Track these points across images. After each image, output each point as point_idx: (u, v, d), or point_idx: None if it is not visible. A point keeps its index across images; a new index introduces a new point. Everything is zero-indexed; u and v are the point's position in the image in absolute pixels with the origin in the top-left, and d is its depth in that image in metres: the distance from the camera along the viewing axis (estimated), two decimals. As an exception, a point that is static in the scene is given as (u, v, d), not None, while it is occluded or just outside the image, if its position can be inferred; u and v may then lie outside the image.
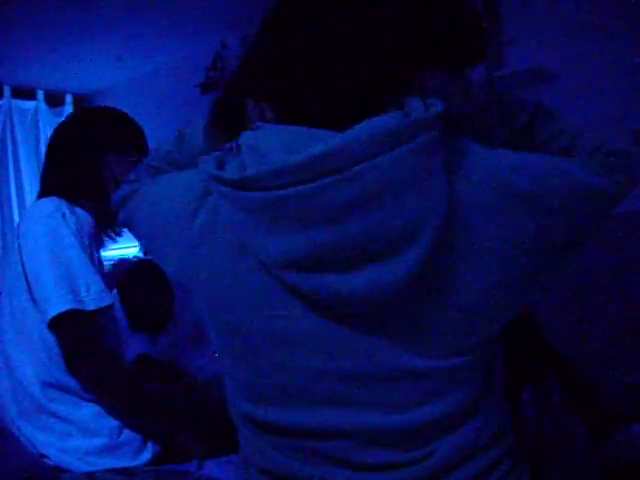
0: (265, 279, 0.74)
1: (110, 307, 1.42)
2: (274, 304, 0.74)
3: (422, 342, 0.72)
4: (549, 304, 2.26)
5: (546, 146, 0.83)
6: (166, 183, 0.89)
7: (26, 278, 1.39)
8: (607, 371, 1.95)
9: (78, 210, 1.48)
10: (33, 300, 1.38)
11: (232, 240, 0.75)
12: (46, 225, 1.39)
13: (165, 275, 2.54)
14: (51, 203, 1.43)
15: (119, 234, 1.62)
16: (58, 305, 1.33)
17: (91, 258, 1.42)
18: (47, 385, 1.39)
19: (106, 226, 1.60)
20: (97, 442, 1.39)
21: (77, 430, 1.39)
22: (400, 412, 0.74)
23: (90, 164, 1.52)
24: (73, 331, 1.34)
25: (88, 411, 1.41)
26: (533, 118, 0.85)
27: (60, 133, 1.59)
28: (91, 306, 1.36)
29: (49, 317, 1.33)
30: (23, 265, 1.40)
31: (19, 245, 1.42)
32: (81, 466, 1.36)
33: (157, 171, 0.96)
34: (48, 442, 1.39)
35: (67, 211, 1.41)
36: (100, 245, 1.59)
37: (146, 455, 1.43)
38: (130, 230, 0.96)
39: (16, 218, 3.99)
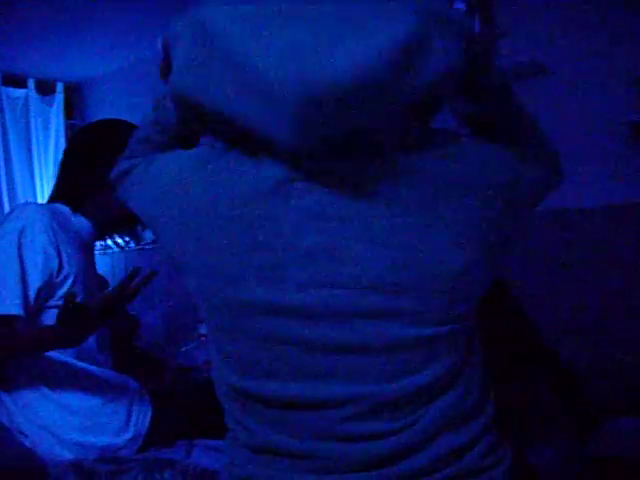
0: (263, 254, 0.76)
1: (12, 318, 1.37)
2: (270, 277, 0.76)
3: (411, 312, 0.76)
4: (547, 299, 2.27)
5: (506, 122, 0.88)
6: (163, 161, 0.91)
7: None
8: (599, 364, 1.97)
9: (78, 217, 1.56)
10: None
11: (233, 215, 0.77)
12: (1, 230, 1.43)
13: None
14: (22, 210, 1.46)
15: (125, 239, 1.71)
16: None
17: (44, 266, 1.42)
18: (21, 368, 1.41)
19: (108, 234, 1.72)
20: (76, 420, 1.41)
21: (55, 407, 1.41)
22: (389, 381, 0.76)
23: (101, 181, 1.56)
24: None
25: (67, 390, 1.43)
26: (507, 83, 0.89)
27: (77, 144, 1.65)
28: None
29: None
30: None
31: None
32: (59, 447, 1.37)
33: (147, 149, 0.98)
34: (28, 419, 1.40)
35: (43, 219, 1.43)
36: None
37: (127, 435, 1.45)
38: (128, 204, 0.96)
39: (6, 205, 3.97)
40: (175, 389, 1.70)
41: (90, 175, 1.56)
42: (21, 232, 1.40)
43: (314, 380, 0.77)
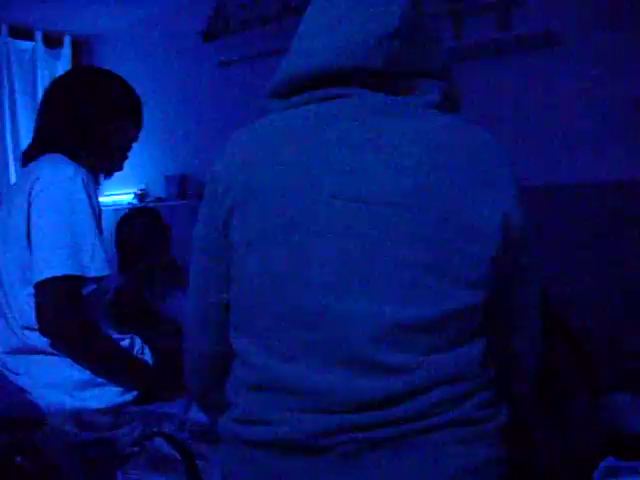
0: (301, 168, 0.84)
1: (107, 277, 1.46)
2: (305, 188, 0.83)
3: (431, 240, 0.80)
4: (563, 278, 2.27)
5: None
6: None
7: (28, 234, 1.40)
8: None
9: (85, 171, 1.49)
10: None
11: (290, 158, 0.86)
12: (65, 189, 1.40)
13: (163, 225, 2.55)
14: (71, 167, 1.44)
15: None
16: (56, 268, 1.34)
17: (99, 223, 1.44)
18: (31, 329, 1.40)
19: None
20: (81, 376, 1.41)
21: (63, 362, 1.41)
22: (406, 305, 0.79)
23: (101, 127, 1.55)
24: (61, 294, 1.35)
25: None
26: None
27: (68, 89, 1.58)
28: (93, 273, 1.39)
29: (44, 277, 1.34)
30: (29, 221, 1.40)
31: (29, 201, 1.41)
32: (66, 400, 1.38)
33: None
34: (32, 378, 1.40)
35: (85, 176, 1.42)
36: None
37: (130, 395, 1.46)
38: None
39: (11, 159, 3.96)
40: (176, 345, 1.71)
41: (97, 126, 1.53)
42: (89, 189, 1.42)
43: (334, 294, 0.80)
